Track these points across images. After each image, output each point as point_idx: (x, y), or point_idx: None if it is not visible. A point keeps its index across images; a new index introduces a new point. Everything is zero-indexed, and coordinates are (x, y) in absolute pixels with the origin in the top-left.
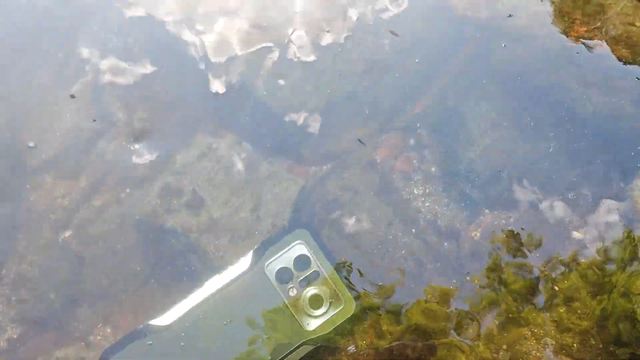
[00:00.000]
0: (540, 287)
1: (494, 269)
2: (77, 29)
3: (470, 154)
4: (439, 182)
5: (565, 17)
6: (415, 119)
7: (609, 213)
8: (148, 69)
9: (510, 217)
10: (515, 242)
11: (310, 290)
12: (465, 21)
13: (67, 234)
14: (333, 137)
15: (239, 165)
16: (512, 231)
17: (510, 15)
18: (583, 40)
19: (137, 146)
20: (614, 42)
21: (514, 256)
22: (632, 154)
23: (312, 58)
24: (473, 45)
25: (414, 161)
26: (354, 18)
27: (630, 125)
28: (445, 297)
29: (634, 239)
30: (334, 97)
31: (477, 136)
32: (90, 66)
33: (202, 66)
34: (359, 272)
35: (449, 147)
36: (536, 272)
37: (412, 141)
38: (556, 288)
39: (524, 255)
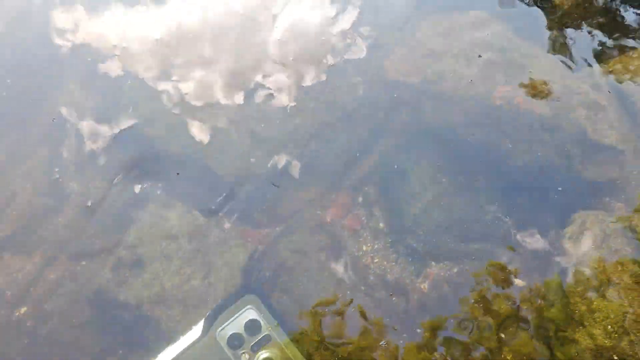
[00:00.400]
0: (487, 337)
1: (438, 324)
2: (36, 102)
3: (414, 209)
4: (386, 238)
5: (488, 79)
6: (362, 177)
7: (547, 260)
8: (108, 136)
9: (454, 268)
10: (457, 294)
11: (263, 354)
12: (399, 85)
13: (23, 310)
14: (283, 199)
15: (190, 234)
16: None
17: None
18: (506, 99)
19: (91, 220)
20: (535, 99)
21: (460, 307)
22: (565, 202)
23: (261, 125)
24: (409, 107)
25: (363, 218)
26: (296, 86)
27: (559, 176)
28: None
29: (565, 285)
30: (282, 161)
31: (419, 192)
32: (45, 140)
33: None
34: (311, 332)
35: (395, 203)
36: (481, 322)
37: (360, 199)
38: (502, 335)
39: (470, 307)
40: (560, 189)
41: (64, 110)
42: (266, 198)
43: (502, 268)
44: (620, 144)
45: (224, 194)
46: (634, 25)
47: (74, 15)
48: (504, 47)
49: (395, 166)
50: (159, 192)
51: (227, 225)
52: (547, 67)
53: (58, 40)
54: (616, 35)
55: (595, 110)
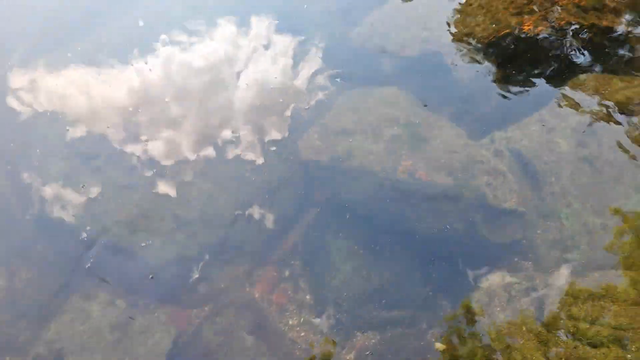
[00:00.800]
0: None
1: None
2: None
3: (335, 281)
4: (312, 311)
5: (393, 153)
6: (288, 252)
7: (461, 324)
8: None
9: (377, 336)
10: None
11: None
12: (312, 164)
13: None
14: (212, 278)
15: (112, 324)
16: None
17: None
18: (410, 172)
19: (13, 314)
20: (437, 170)
21: None
22: (473, 266)
23: (181, 211)
24: (323, 184)
25: (289, 292)
26: (216, 166)
27: (465, 242)
28: None
29: (476, 348)
30: (207, 241)
31: (340, 264)
32: None
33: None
34: None
35: (319, 275)
36: None
37: (287, 272)
38: None
39: None
40: (467, 254)
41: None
42: (194, 278)
43: (422, 332)
44: (520, 207)
45: (150, 278)
46: (535, 94)
47: (37, 78)
48: (410, 122)
49: (316, 238)
50: (82, 283)
51: (152, 309)
52: (450, 137)
53: (19, 106)
54: (519, 103)
55: (496, 176)
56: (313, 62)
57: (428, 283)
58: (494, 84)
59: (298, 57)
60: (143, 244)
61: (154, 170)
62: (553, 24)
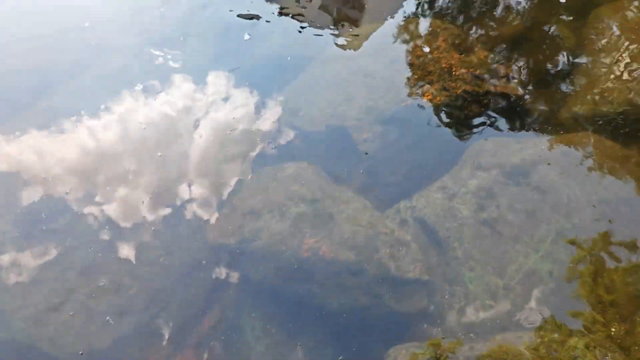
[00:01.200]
0: None
1: None
2: None
3: None
4: None
5: (298, 232)
6: (205, 335)
7: None
8: None
9: None
10: None
11: None
12: (220, 247)
13: None
14: None
15: None
16: None
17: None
18: (313, 250)
19: None
20: (340, 246)
21: None
22: (381, 339)
23: (93, 301)
24: (232, 265)
25: None
26: (127, 254)
27: (372, 315)
28: None
29: None
30: (122, 331)
31: (253, 343)
32: None
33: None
34: None
35: (236, 356)
36: None
37: (205, 356)
38: None
39: None
40: (376, 327)
41: None
42: None
43: None
44: (425, 275)
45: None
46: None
47: None
48: (315, 198)
49: (231, 318)
50: None
51: None
52: (356, 211)
53: None
54: (424, 171)
55: (399, 247)
56: (223, 145)
57: (340, 358)
58: (400, 154)
59: (209, 139)
60: (54, 339)
61: (63, 261)
62: (452, 93)
